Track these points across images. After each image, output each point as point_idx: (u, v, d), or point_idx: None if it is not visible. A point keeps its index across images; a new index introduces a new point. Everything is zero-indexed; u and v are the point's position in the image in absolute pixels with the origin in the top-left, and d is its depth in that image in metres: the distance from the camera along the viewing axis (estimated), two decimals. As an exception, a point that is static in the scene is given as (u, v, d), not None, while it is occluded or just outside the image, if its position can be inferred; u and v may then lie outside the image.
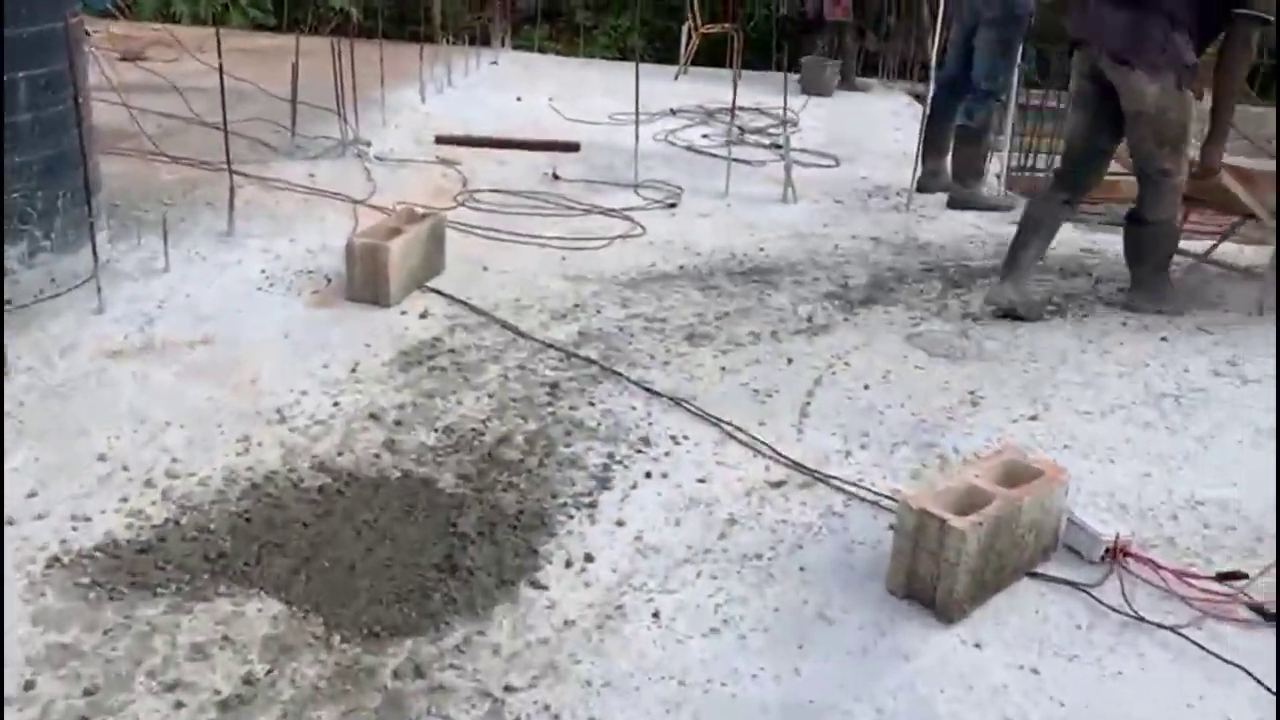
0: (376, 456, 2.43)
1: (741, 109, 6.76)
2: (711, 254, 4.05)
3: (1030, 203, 3.86)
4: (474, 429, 2.57)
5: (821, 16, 8.45)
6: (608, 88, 7.55)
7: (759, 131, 6.47)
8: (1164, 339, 3.45)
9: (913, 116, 7.32)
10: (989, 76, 4.83)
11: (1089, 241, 4.57)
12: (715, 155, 5.71)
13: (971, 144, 4.91)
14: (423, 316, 3.23)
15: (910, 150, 6.04)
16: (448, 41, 8.88)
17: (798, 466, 2.49)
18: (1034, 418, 2.83)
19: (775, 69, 9.77)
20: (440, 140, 5.47)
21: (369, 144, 5.06)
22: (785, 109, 5.33)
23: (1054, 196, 3.70)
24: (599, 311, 3.38)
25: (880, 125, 7.02)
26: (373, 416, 2.60)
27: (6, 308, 2.86)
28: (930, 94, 5.21)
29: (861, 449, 2.61)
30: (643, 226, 4.32)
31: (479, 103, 6.80)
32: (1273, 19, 3.26)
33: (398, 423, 2.58)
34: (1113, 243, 4.51)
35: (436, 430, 2.55)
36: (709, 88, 7.75)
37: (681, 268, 3.87)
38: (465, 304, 3.33)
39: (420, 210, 3.57)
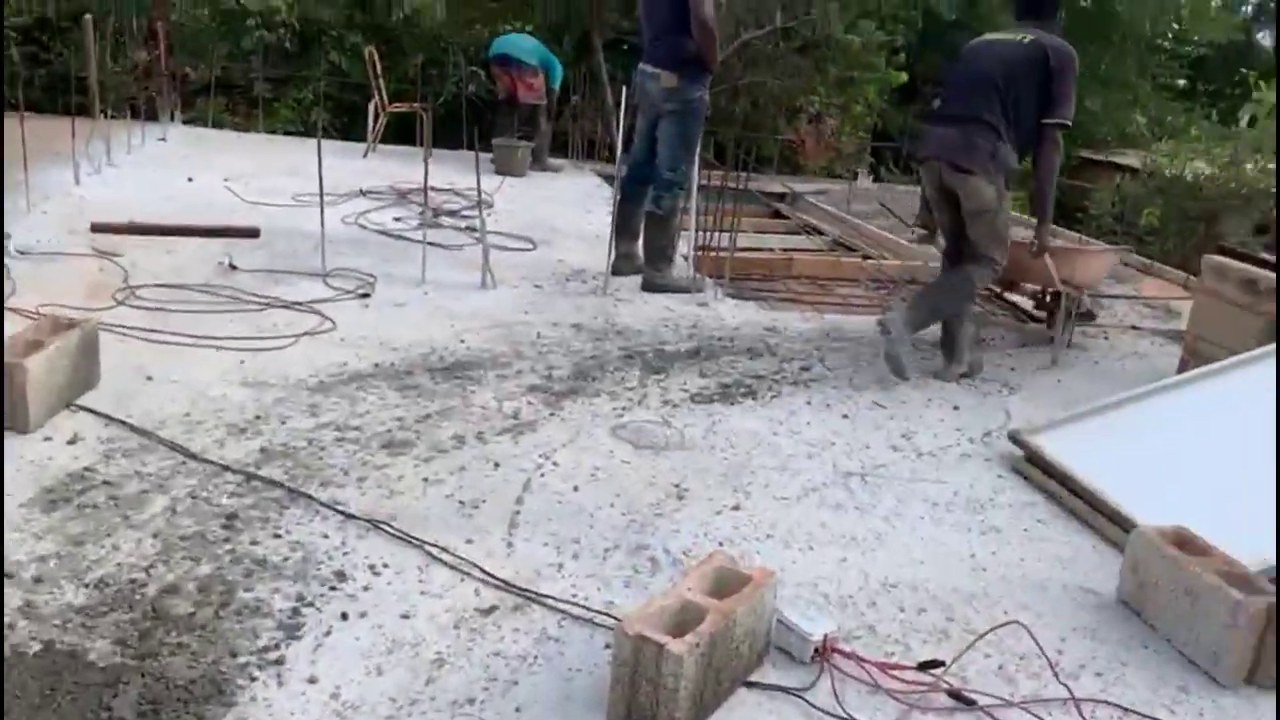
0: (9, 626, 2.04)
1: (434, 189, 6.65)
2: (409, 349, 3.86)
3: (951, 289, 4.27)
4: (134, 579, 2.23)
5: (513, 98, 8.53)
6: (291, 166, 7.21)
7: (454, 214, 6.37)
8: (845, 416, 3.65)
9: (604, 199, 7.53)
10: (672, 166, 5.01)
11: (771, 320, 4.82)
12: (410, 239, 5.54)
13: (660, 230, 5.07)
14: (71, 443, 2.81)
15: (603, 232, 6.16)
16: (107, 115, 8.15)
17: (508, 587, 2.36)
18: (736, 508, 2.87)
19: (467, 148, 9.79)
20: (96, 228, 4.93)
21: (8, 235, 4.44)
22: (480, 191, 5.26)
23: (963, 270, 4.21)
24: (284, 422, 3.10)
25: (573, 207, 7.14)
26: (6, 576, 2.19)
27: None
28: (619, 180, 5.33)
29: (574, 558, 2.52)
30: (332, 321, 4.06)
31: (145, 184, 6.24)
32: (1071, 122, 4.01)
33: (37, 580, 2.19)
34: (792, 321, 4.79)
35: (87, 585, 2.19)
36: (400, 167, 7.58)
37: (377, 366, 3.66)
38: (123, 423, 2.94)
39: (67, 319, 3.13)
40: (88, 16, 8.81)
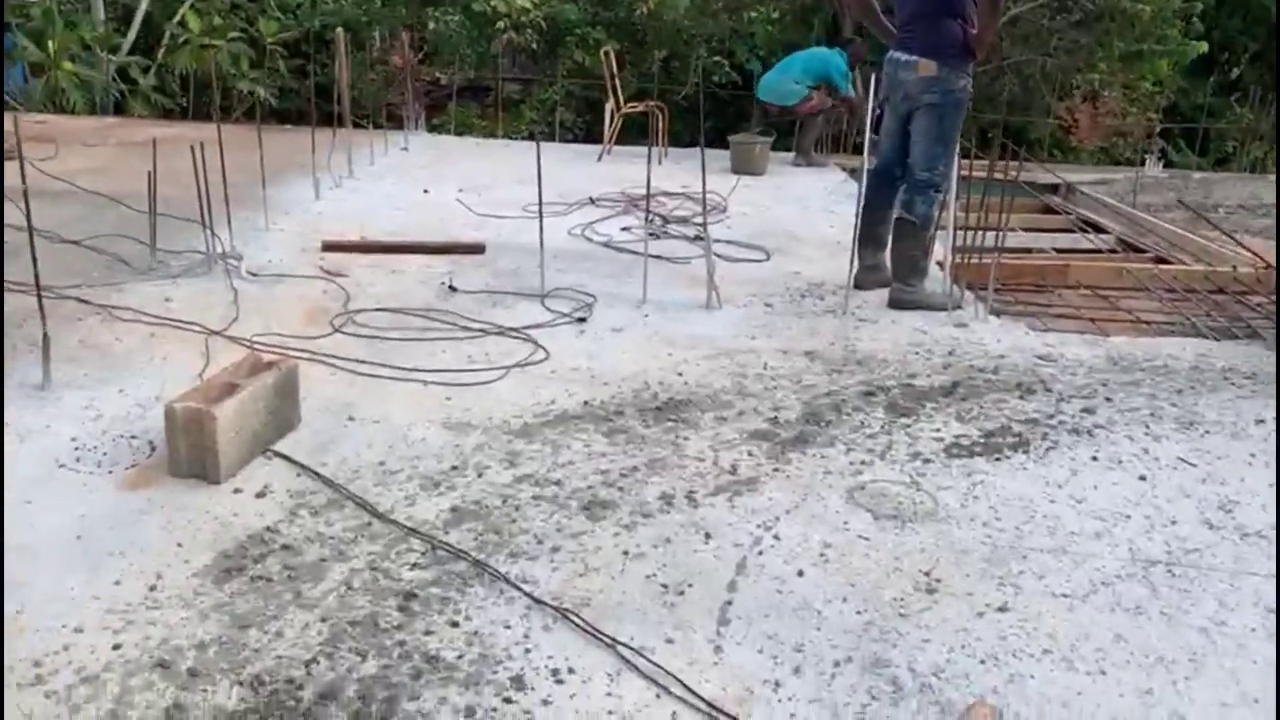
0: (157, 733, 1.83)
1: (665, 194, 6.34)
2: (622, 384, 3.52)
3: None
4: (292, 678, 1.98)
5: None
6: (525, 174, 7.08)
7: (684, 221, 6.00)
8: (1142, 478, 2.96)
9: (847, 196, 6.94)
10: (927, 166, 4.40)
11: (1044, 345, 4.12)
12: (634, 252, 5.22)
13: (912, 239, 4.47)
14: (260, 495, 2.64)
15: (846, 238, 5.59)
16: (360, 124, 8.40)
17: (714, 711, 1.93)
18: (1003, 608, 2.31)
19: (705, 144, 9.46)
20: (327, 247, 4.92)
21: (240, 257, 4.49)
22: (705, 198, 4.86)
23: None
24: (481, 474, 2.82)
25: (813, 209, 6.61)
26: (161, 665, 2.00)
27: None
28: (864, 182, 4.77)
29: (795, 673, 2.06)
30: (545, 350, 3.78)
31: (381, 197, 6.28)
32: None
33: (192, 673, 1.98)
34: (1071, 346, 4.08)
35: (242, 683, 1.96)
36: (634, 169, 7.28)
37: (586, 404, 3.33)
38: (316, 474, 2.75)
39: (268, 358, 2.99)
40: (339, 29, 9.15)
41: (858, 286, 4.66)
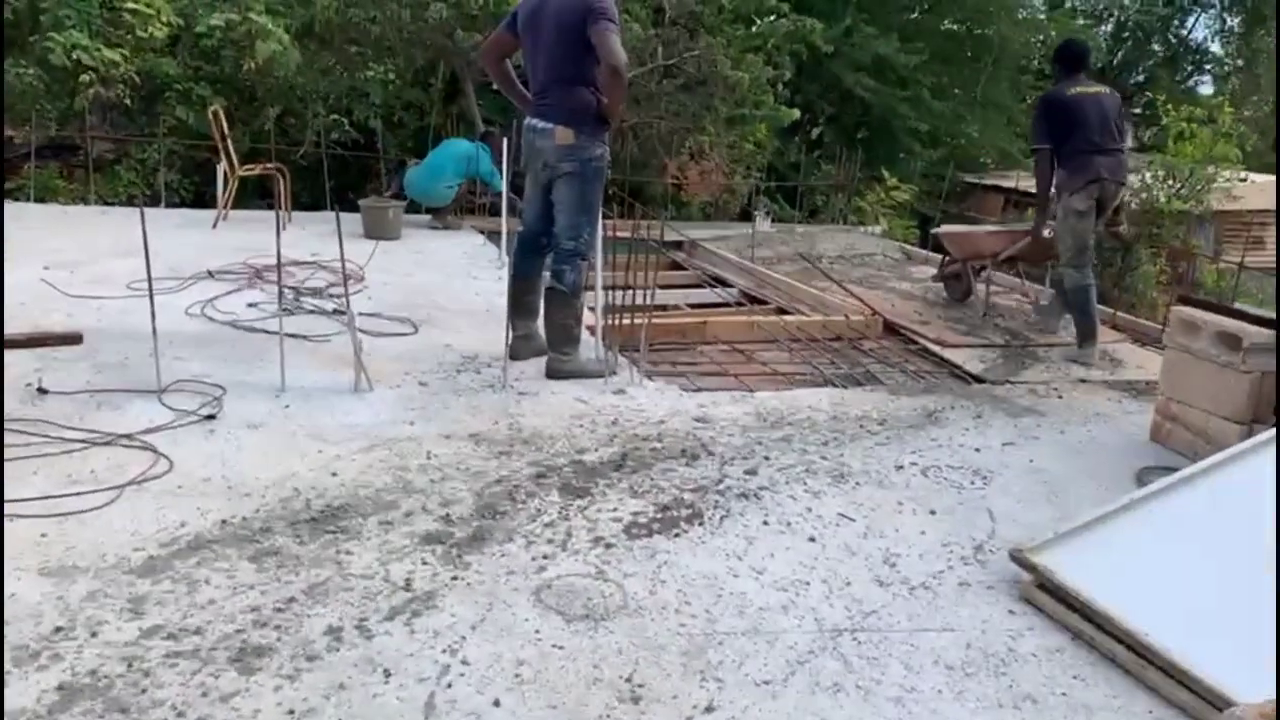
0: None
1: (294, 263, 5.86)
2: (267, 492, 3.09)
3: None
4: None
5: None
6: (127, 245, 6.25)
7: (318, 293, 5.57)
8: (812, 539, 3.04)
9: (489, 261, 6.84)
10: (572, 235, 4.36)
11: (699, 407, 4.19)
12: (266, 330, 4.73)
13: (563, 308, 4.39)
14: None
15: (494, 305, 5.48)
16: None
17: None
18: (710, 708, 2.21)
19: (330, 206, 8.96)
20: None
21: None
22: (344, 267, 4.50)
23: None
24: (95, 633, 2.30)
25: (456, 275, 6.41)
26: None
27: None
28: (505, 248, 4.66)
29: (505, 830, 1.82)
30: (168, 459, 3.25)
31: (-61, 280, 5.23)
32: None
33: None
34: (724, 406, 4.17)
35: None
36: (255, 237, 6.72)
37: (224, 524, 2.87)
38: None
39: None
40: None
41: (513, 357, 4.52)
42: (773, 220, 9.47)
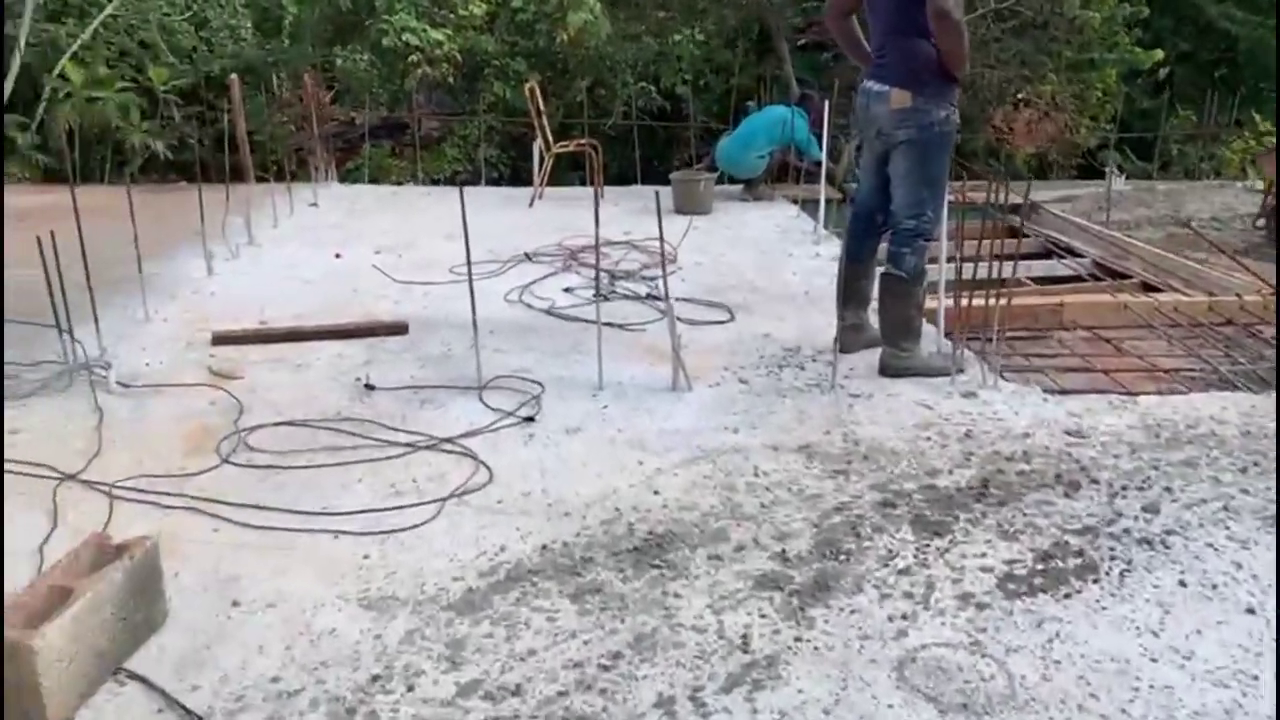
0: None
1: (607, 244, 5.68)
2: (587, 512, 2.83)
3: None
4: None
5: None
6: (451, 226, 6.39)
7: (632, 275, 5.35)
8: (1250, 611, 2.37)
9: (803, 234, 6.37)
10: (913, 212, 3.80)
11: (1069, 416, 3.53)
12: (583, 320, 4.55)
13: (902, 297, 3.86)
14: (102, 753, 1.91)
15: (812, 286, 5.03)
16: (263, 177, 7.63)
17: None
18: None
19: (641, 180, 8.83)
20: (218, 340, 4.16)
21: (108, 365, 3.71)
22: (663, 254, 4.22)
23: None
24: (411, 686, 2.11)
25: (771, 252, 5.99)
26: None
27: None
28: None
29: None
30: (488, 468, 3.08)
31: (285, 267, 5.52)
32: None
33: None
34: (1100, 414, 3.49)
35: None
36: (570, 214, 6.68)
37: (544, 549, 2.64)
38: (184, 709, 2.01)
39: (115, 542, 2.25)
40: (233, 75, 8.35)
41: (842, 350, 4.05)
42: (1126, 177, 8.29)
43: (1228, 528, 2.74)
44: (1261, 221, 6.84)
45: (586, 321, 4.44)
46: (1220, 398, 3.76)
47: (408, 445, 3.24)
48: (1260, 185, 8.58)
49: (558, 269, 5.48)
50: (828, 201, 6.51)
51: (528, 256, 5.68)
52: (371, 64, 11.47)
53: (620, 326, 4.48)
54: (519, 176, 10.38)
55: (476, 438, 3.31)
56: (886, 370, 3.90)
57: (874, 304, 4.15)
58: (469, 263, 3.79)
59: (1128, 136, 10.13)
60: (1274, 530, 2.74)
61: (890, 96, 3.70)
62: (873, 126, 3.83)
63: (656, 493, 2.94)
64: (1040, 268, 6.41)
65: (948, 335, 4.25)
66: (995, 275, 3.81)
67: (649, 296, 4.94)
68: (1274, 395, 3.80)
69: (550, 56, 11.54)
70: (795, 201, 7.25)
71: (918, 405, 3.62)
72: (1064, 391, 3.88)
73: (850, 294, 4.06)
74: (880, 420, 3.49)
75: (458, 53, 11.09)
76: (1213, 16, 12.00)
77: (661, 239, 4.14)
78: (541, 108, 7.70)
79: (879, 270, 4.02)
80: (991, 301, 3.82)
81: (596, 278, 4.09)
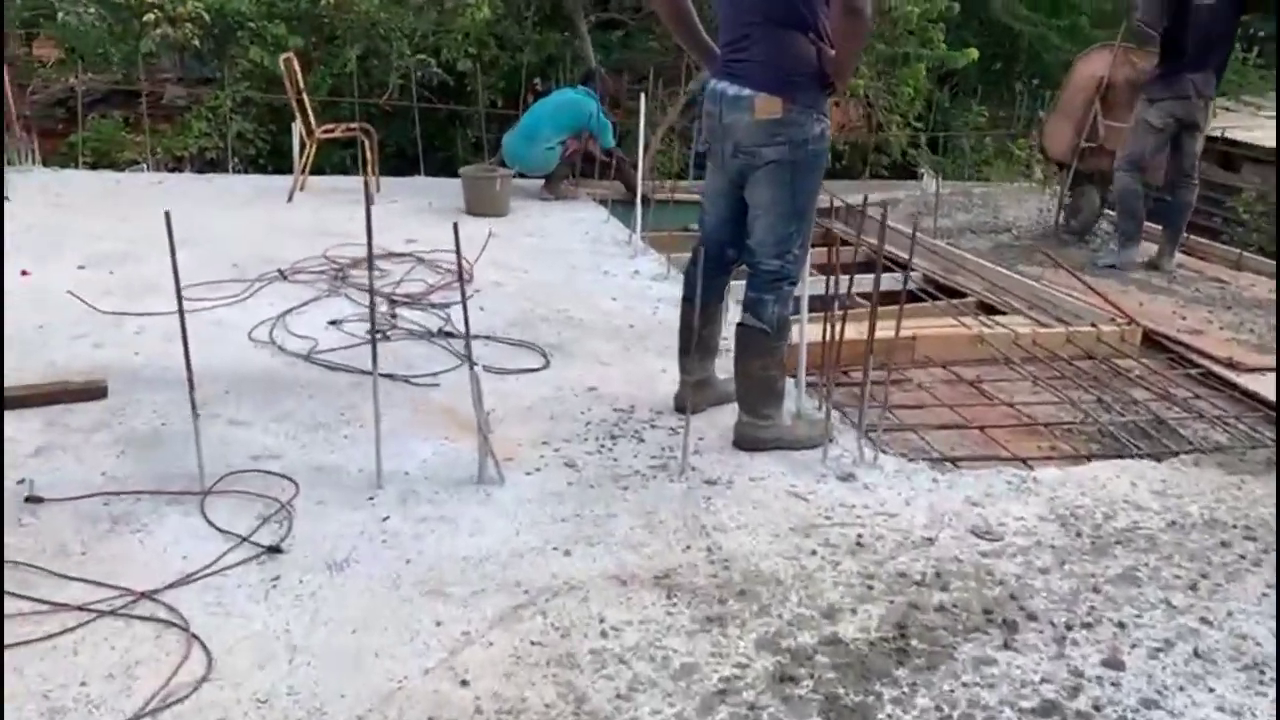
0: None
1: (387, 258, 4.68)
2: (358, 727, 1.89)
3: None
4: None
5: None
6: (187, 227, 5.16)
7: (418, 301, 4.36)
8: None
9: (618, 245, 5.56)
10: (777, 250, 3.03)
11: (969, 505, 2.87)
12: (354, 370, 3.54)
13: (763, 355, 3.09)
14: None
15: (637, 316, 4.23)
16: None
17: None
18: None
19: (423, 169, 7.74)
20: None
21: None
22: (463, 289, 3.26)
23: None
24: None
25: (582, 267, 5.14)
26: None
27: None
28: (688, 270, 3.37)
29: None
30: (206, 649, 2.07)
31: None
32: None
33: None
34: (1001, 498, 2.85)
35: None
36: (338, 214, 5.60)
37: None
38: None
39: None
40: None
41: (681, 410, 3.28)
42: (941, 178, 7.96)
43: (1211, 689, 2.13)
44: (1064, 220, 6.67)
45: (359, 373, 3.44)
46: (1121, 468, 3.22)
47: (82, 608, 2.17)
48: (1042, 178, 8.53)
49: (322, 292, 4.40)
50: (644, 202, 5.72)
51: (282, 274, 4.56)
52: (101, 19, 9.76)
53: (406, 380, 3.51)
54: (280, 154, 9.02)
55: (193, 584, 2.28)
56: (745, 443, 3.13)
57: (725, 348, 3.39)
58: (179, 289, 2.71)
59: (935, 135, 9.91)
60: (1260, 675, 2.15)
61: (754, 104, 2.90)
62: (727, 140, 3.02)
63: (465, 683, 2.02)
64: (869, 283, 5.86)
65: (810, 386, 3.54)
66: (834, 293, 3.14)
67: (441, 334, 3.97)
68: (1164, 465, 3.31)
69: (315, 20, 10.17)
70: (604, 203, 6.41)
71: (790, 495, 2.87)
72: (952, 460, 3.25)
73: (695, 344, 3.24)
74: (749, 522, 2.71)
75: (204, 11, 9.54)
76: (996, 12, 12.03)
77: (460, 266, 3.16)
78: (302, 85, 6.50)
79: (727, 315, 3.26)
80: (841, 333, 3.13)
81: (372, 313, 3.05)
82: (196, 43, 9.98)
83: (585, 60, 8.45)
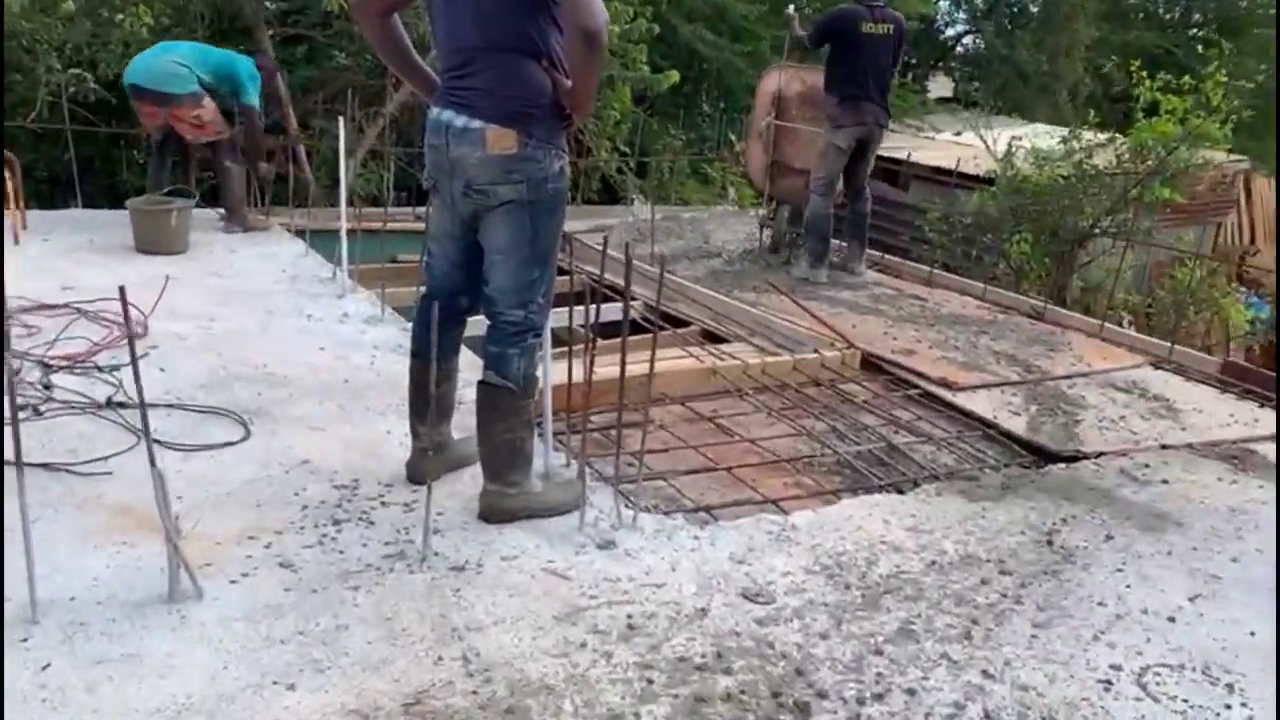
0: None
1: (39, 310, 3.94)
2: None
3: None
4: None
5: (173, 138, 5.69)
6: None
7: (79, 362, 3.66)
8: None
9: (322, 283, 5.04)
10: (520, 299, 2.72)
11: (737, 568, 2.70)
12: (14, 462, 2.84)
13: (509, 415, 2.76)
14: None
15: (352, 368, 3.81)
16: None
17: None
18: None
19: (80, 199, 6.75)
20: None
21: None
22: (133, 347, 2.67)
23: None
24: None
25: (282, 311, 4.58)
26: None
27: None
28: (416, 320, 2.99)
29: None
30: None
31: None
32: None
33: None
34: (765, 552, 2.70)
35: None
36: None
37: None
38: None
39: None
40: None
41: (417, 481, 2.90)
42: (651, 203, 7.96)
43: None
44: (770, 244, 6.88)
45: (9, 464, 2.76)
46: (871, 504, 3.18)
47: None
48: (737, 199, 8.80)
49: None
50: (350, 233, 5.19)
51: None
52: None
53: (66, 469, 2.86)
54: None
55: None
56: (492, 515, 2.79)
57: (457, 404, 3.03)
58: None
59: (641, 160, 9.95)
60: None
61: (485, 137, 2.57)
62: (456, 177, 2.66)
63: None
64: (587, 315, 5.69)
65: (558, 442, 3.26)
66: (586, 349, 2.91)
67: (111, 404, 3.32)
68: (910, 497, 3.33)
69: (-65, 29, 8.70)
70: (300, 234, 5.81)
71: (549, 574, 2.56)
72: (707, 509, 3.07)
73: (427, 405, 2.84)
74: (507, 615, 2.37)
75: None
76: (687, 37, 12.39)
77: (126, 310, 2.59)
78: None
79: (460, 371, 2.91)
80: (590, 372, 2.89)
81: (7, 383, 2.37)
82: None
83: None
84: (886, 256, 6.97)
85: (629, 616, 2.40)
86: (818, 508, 3.15)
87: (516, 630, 2.31)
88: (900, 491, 3.37)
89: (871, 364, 4.73)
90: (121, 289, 2.21)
